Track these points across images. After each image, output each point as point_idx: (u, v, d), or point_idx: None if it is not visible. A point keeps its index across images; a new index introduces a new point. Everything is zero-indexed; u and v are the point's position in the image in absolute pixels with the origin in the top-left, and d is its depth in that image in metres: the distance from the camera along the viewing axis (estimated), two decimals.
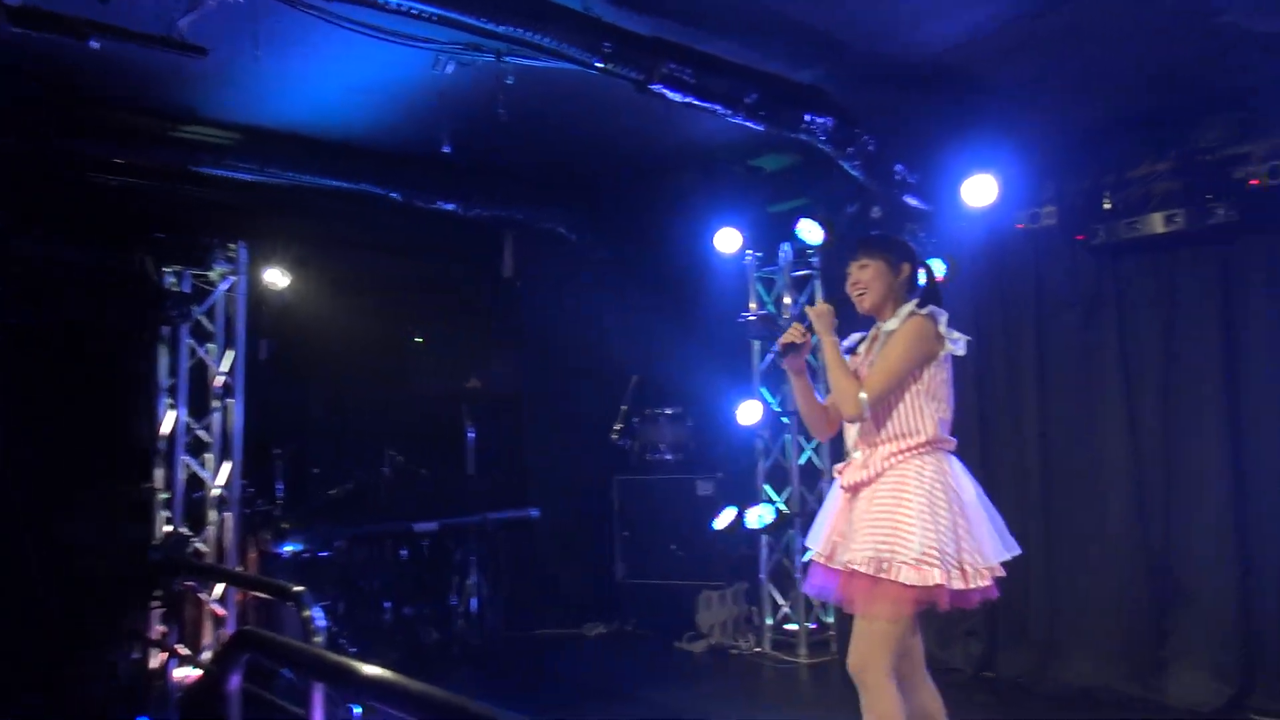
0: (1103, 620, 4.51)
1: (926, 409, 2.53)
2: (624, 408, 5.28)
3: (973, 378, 4.84)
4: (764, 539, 5.44)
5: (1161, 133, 4.37)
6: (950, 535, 2.43)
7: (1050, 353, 4.90)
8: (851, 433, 2.59)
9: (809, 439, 5.56)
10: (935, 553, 2.41)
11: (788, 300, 5.50)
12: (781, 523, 5.32)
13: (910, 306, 2.55)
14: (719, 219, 5.35)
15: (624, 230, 5.69)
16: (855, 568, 2.45)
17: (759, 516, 5.22)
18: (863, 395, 2.46)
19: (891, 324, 2.53)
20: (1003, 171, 4.59)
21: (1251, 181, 4.14)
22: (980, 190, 4.61)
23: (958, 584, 2.40)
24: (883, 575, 2.39)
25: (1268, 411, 4.27)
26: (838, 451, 5.63)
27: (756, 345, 5.56)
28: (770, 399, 5.59)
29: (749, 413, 5.33)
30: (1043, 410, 4.85)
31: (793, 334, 2.58)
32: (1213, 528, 4.31)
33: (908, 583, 2.38)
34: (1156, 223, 4.45)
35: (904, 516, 2.45)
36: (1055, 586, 4.69)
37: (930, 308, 2.54)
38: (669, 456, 5.85)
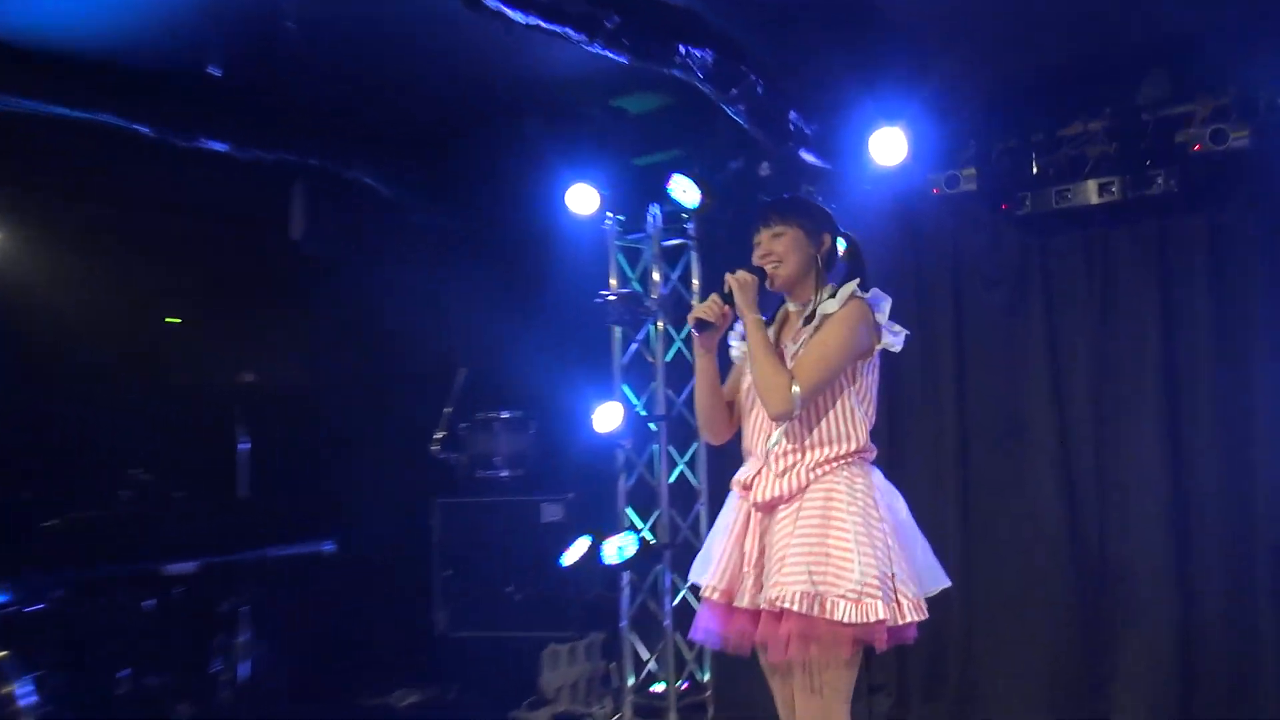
0: (1030, 653, 4.81)
1: (858, 411, 2.65)
2: (447, 411, 5.61)
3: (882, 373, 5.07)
4: (625, 577, 5.46)
5: (1096, 89, 4.62)
6: (886, 561, 2.54)
7: (970, 338, 5.15)
8: (758, 437, 2.66)
9: (683, 450, 5.64)
10: (876, 583, 2.49)
11: (656, 276, 5.54)
12: (647, 555, 5.34)
13: (853, 287, 2.64)
14: (572, 173, 5.36)
15: (453, 186, 5.72)
16: (784, 605, 2.50)
17: (619, 548, 5.22)
18: (796, 388, 2.53)
19: (830, 305, 2.61)
20: (916, 127, 4.76)
21: (1194, 147, 4.44)
22: (889, 147, 4.75)
23: (896, 619, 2.51)
24: (815, 613, 2.46)
25: (1210, 402, 4.62)
26: (719, 465, 5.53)
27: (618, 332, 5.56)
28: (634, 400, 5.58)
29: (608, 417, 5.34)
30: (961, 407, 5.12)
31: (709, 308, 2.63)
32: (1155, 540, 4.65)
33: (846, 620, 2.45)
34: (1090, 192, 4.75)
35: (839, 540, 2.53)
36: (975, 617, 4.97)
37: (873, 291, 2.66)
38: (505, 473, 5.84)
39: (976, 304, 5.20)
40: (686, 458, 5.67)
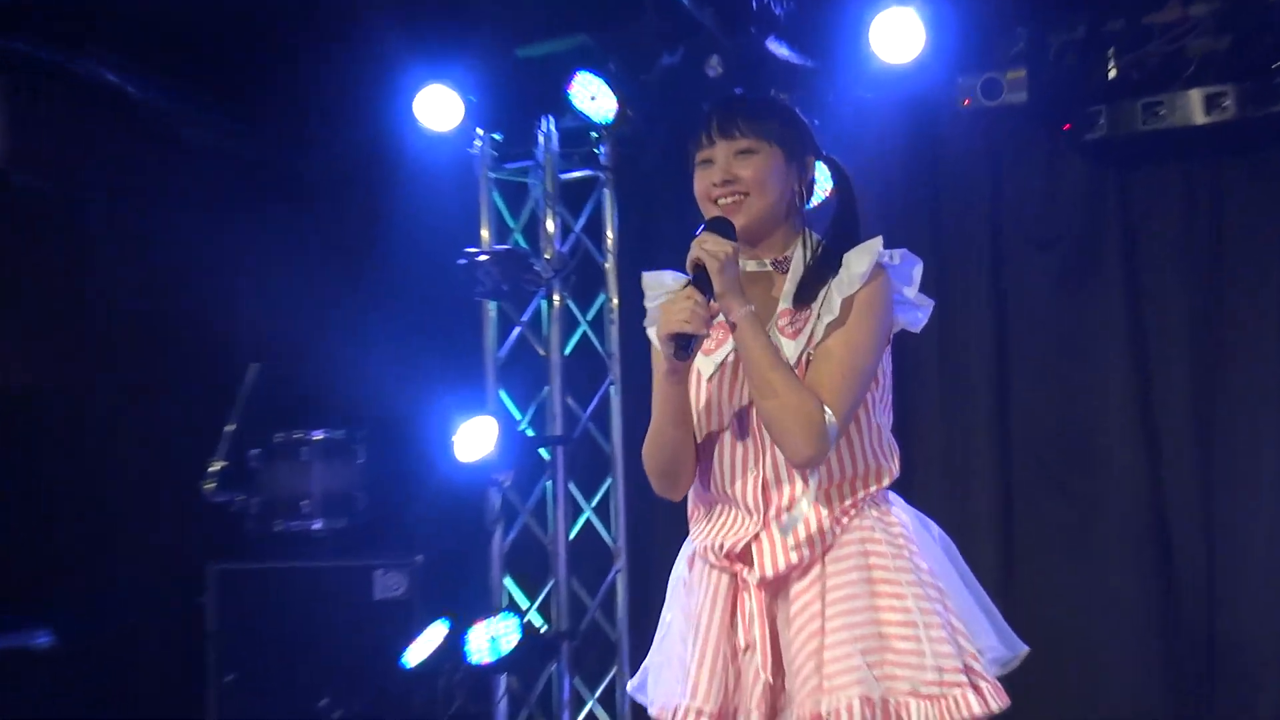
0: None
1: (885, 427, 2.74)
2: (230, 428, 5.53)
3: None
4: (502, 683, 5.49)
5: None
6: (951, 630, 2.66)
7: (1015, 319, 5.19)
8: (747, 482, 2.72)
9: (590, 489, 5.62)
10: (955, 664, 2.62)
11: (551, 225, 5.54)
12: (536, 650, 5.33)
13: (876, 247, 2.67)
14: (423, 69, 5.29)
15: (243, 90, 5.68)
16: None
17: (492, 639, 5.18)
18: (830, 417, 2.57)
19: (849, 278, 2.64)
20: (938, 6, 4.73)
21: None
22: (899, 36, 4.69)
23: (979, 710, 2.63)
24: None
25: None
26: (643, 510, 5.62)
27: (492, 310, 5.58)
28: (516, 412, 5.62)
29: (476, 439, 5.26)
30: (999, 420, 5.17)
31: (685, 310, 2.59)
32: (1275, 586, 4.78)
33: None
34: (1193, 106, 4.73)
35: (894, 613, 2.63)
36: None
37: (902, 253, 2.70)
38: (320, 524, 5.73)
39: (1024, 270, 5.22)
40: (595, 500, 5.62)
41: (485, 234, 5.56)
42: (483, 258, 5.23)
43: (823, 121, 5.17)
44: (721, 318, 2.64)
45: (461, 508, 5.58)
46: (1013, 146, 5.21)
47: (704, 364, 2.74)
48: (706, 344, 2.72)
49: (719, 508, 2.74)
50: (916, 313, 2.74)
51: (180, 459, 5.73)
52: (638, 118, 5.12)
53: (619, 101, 5.05)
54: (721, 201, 2.67)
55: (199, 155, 5.85)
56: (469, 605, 5.34)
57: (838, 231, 2.74)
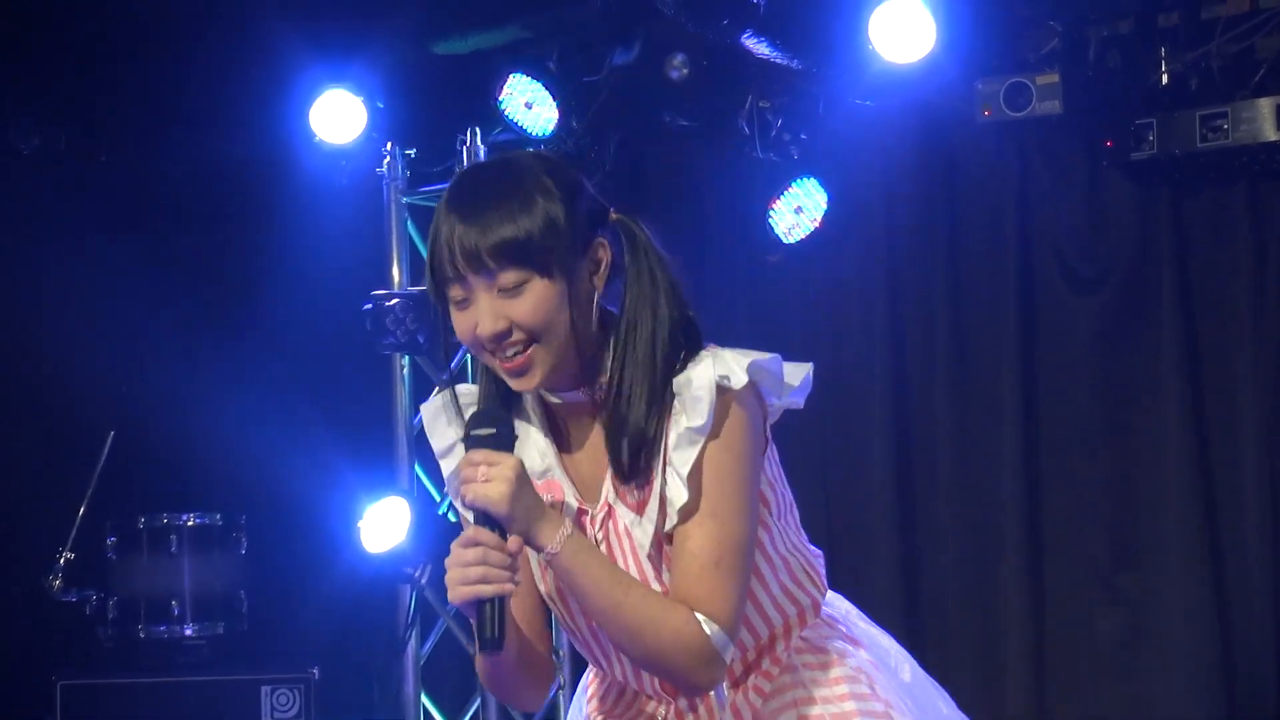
0: None
1: (789, 549, 2.51)
2: (80, 511, 5.39)
3: (890, 426, 5.14)
4: None
5: None
6: None
7: (1047, 379, 5.11)
8: (642, 675, 2.51)
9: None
10: None
11: None
12: None
13: (707, 368, 2.37)
14: (322, 69, 5.18)
15: (93, 89, 5.56)
16: None
17: None
18: (712, 627, 2.34)
19: (692, 419, 2.36)
20: None
21: None
22: (904, 32, 4.57)
23: None
24: None
25: None
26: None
27: (404, 366, 5.46)
28: (433, 490, 5.50)
29: (385, 523, 5.13)
30: (1031, 487, 5.05)
31: (481, 572, 2.24)
32: None
33: None
34: (1263, 118, 4.51)
35: None
36: None
37: (765, 361, 2.40)
38: (193, 630, 5.57)
39: (1059, 317, 5.08)
40: None
41: (396, 272, 5.44)
42: (393, 301, 5.04)
43: (812, 136, 5.22)
44: (530, 468, 2.39)
45: (368, 609, 5.54)
46: (1044, 167, 5.05)
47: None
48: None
49: (613, 685, 2.58)
50: (796, 394, 2.46)
51: (18, 549, 5.67)
52: (583, 129, 5.04)
53: (560, 110, 4.94)
54: (504, 356, 2.34)
55: (33, 170, 5.68)
56: None
57: (646, 342, 2.38)
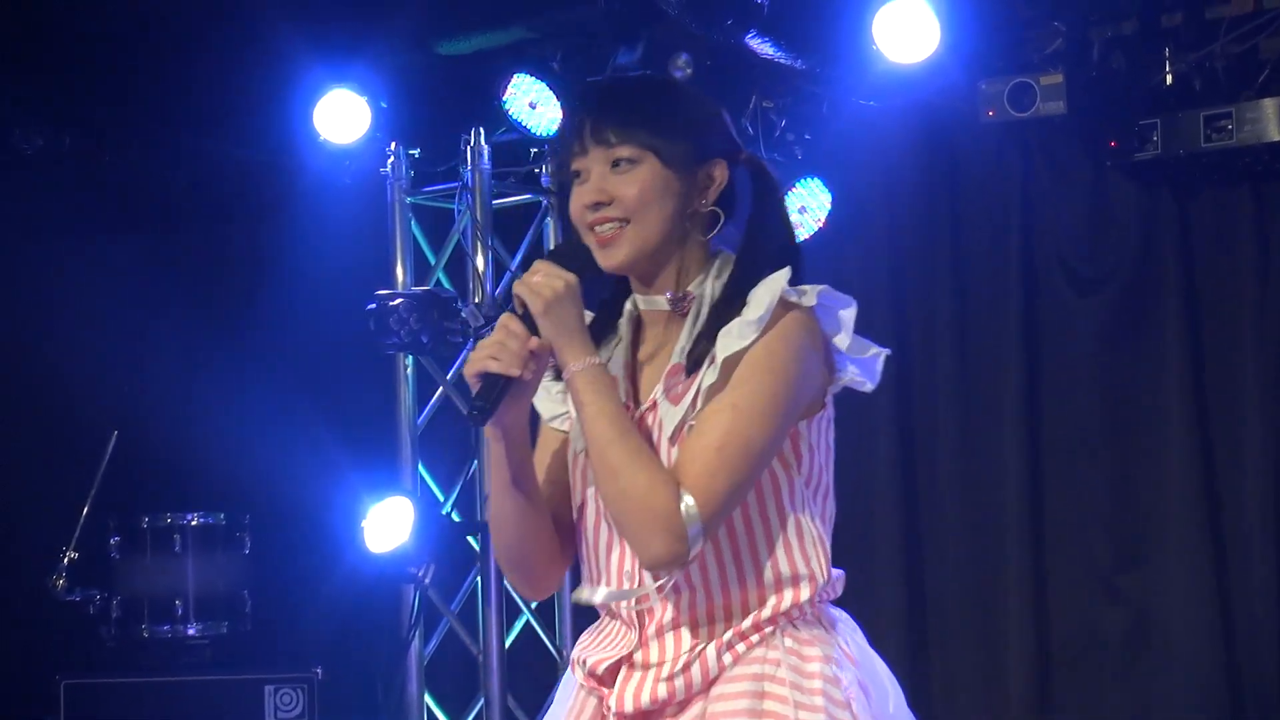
0: None
1: (808, 517, 2.54)
2: (84, 511, 5.40)
3: (893, 426, 5.17)
4: None
5: None
6: None
7: (1050, 380, 5.11)
8: (617, 567, 2.56)
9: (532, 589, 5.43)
10: None
11: (481, 263, 5.42)
12: None
13: (780, 279, 2.48)
14: (325, 70, 5.15)
15: (95, 88, 5.51)
16: None
17: None
18: (689, 503, 2.38)
19: (743, 323, 2.48)
20: None
21: None
22: (908, 32, 4.58)
23: None
24: None
25: None
26: (594, 612, 5.89)
27: (407, 367, 5.42)
28: (437, 490, 5.48)
29: (389, 523, 5.14)
30: (1035, 493, 5.06)
31: (499, 347, 2.44)
32: None
33: None
34: (1268, 119, 4.51)
35: None
36: None
37: (823, 290, 2.50)
38: (196, 630, 5.59)
39: (1062, 319, 5.08)
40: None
41: (400, 272, 5.43)
42: (397, 301, 5.01)
43: (816, 136, 5.29)
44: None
45: (371, 609, 5.52)
46: (1047, 167, 5.07)
47: (577, 437, 2.59)
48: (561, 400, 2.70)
49: (604, 616, 2.64)
50: (863, 367, 2.56)
51: (21, 549, 5.68)
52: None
53: (565, 109, 4.81)
54: (598, 230, 2.49)
55: (36, 168, 5.66)
56: None
57: (750, 256, 2.52)
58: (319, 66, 5.12)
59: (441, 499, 5.42)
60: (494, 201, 5.41)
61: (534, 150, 5.32)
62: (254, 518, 5.69)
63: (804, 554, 2.49)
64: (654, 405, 2.50)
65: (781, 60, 4.76)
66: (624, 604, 2.54)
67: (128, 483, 5.55)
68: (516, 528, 2.57)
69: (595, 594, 2.58)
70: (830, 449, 2.56)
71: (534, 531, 2.57)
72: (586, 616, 5.41)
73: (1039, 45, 4.79)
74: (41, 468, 5.84)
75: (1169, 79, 4.63)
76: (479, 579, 5.36)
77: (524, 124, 4.91)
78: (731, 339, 2.45)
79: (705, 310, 2.54)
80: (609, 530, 2.56)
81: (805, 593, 2.48)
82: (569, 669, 2.69)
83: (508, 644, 5.35)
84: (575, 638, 5.28)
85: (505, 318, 2.46)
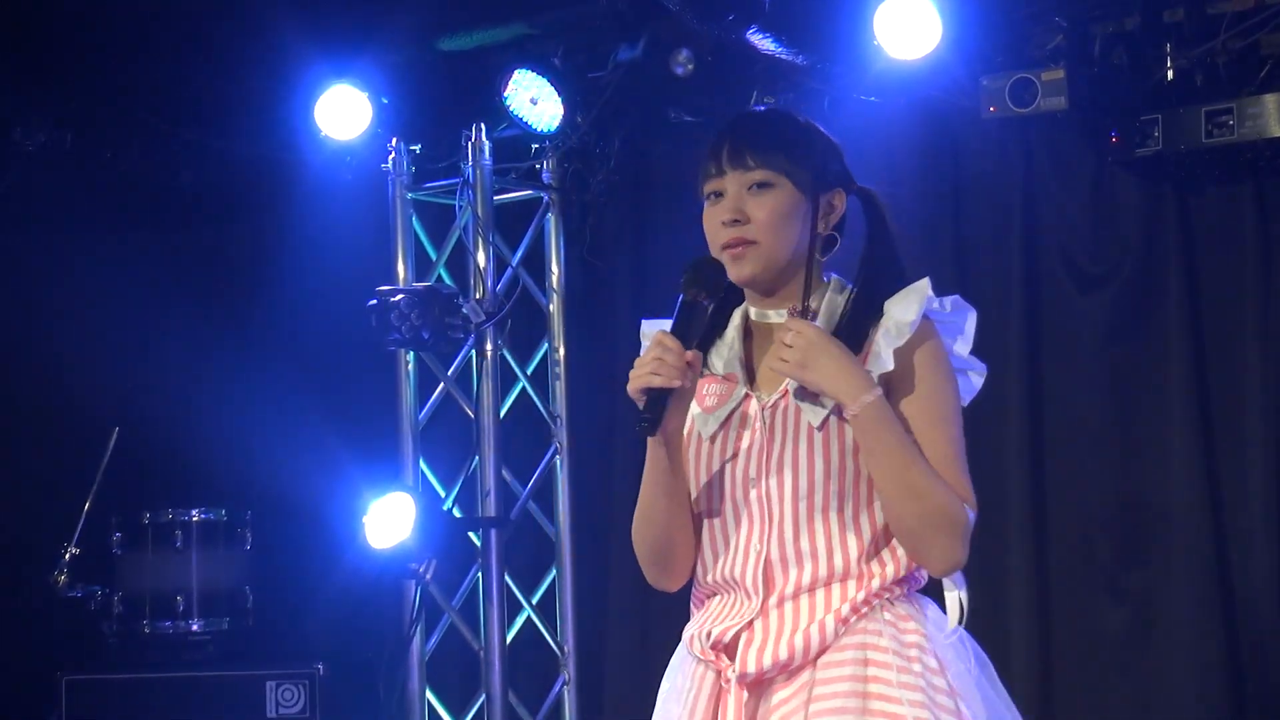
0: None
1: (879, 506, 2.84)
2: (85, 507, 5.44)
3: None
4: None
5: None
6: None
7: (1051, 377, 5.13)
8: (747, 561, 2.73)
9: (532, 582, 5.59)
10: None
11: (482, 259, 5.45)
12: None
13: (924, 287, 2.69)
14: (325, 66, 5.23)
15: (90, 82, 5.55)
16: None
17: None
18: (971, 514, 2.67)
19: (903, 314, 2.70)
20: None
21: None
22: (909, 28, 4.62)
23: None
24: None
25: None
26: (595, 608, 5.73)
27: (409, 363, 5.47)
28: (438, 486, 5.53)
29: (390, 519, 5.20)
30: (1036, 487, 5.08)
31: (664, 362, 2.66)
32: None
33: None
34: (1269, 115, 4.53)
35: None
36: None
37: (954, 300, 2.77)
38: (198, 625, 5.63)
39: (1064, 315, 5.10)
40: (538, 596, 5.55)
41: (401, 268, 5.46)
42: (398, 297, 5.08)
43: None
44: (714, 368, 2.75)
45: (373, 605, 5.55)
46: (1049, 163, 5.06)
47: (704, 422, 2.77)
48: (707, 398, 2.79)
49: (718, 597, 2.78)
50: (966, 376, 2.77)
51: (23, 544, 5.69)
52: (588, 125, 5.17)
53: (566, 106, 5.03)
54: (728, 248, 2.69)
55: (37, 163, 5.65)
56: None
57: (872, 273, 2.74)
58: (320, 62, 5.16)
59: (443, 495, 5.45)
60: (495, 197, 5.45)
61: (535, 146, 5.37)
62: (255, 513, 5.74)
63: (890, 536, 2.69)
64: (784, 393, 2.67)
65: (783, 56, 4.82)
66: (748, 575, 2.69)
67: (129, 478, 5.57)
68: (667, 525, 2.79)
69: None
70: None
71: (681, 525, 2.80)
72: (587, 615, 5.18)
73: (1040, 41, 4.80)
74: (43, 464, 5.86)
75: (1170, 74, 4.66)
76: (480, 575, 5.39)
77: (525, 120, 4.99)
78: (892, 335, 2.64)
79: (835, 320, 2.73)
80: (734, 509, 2.75)
81: (902, 570, 2.66)
82: (680, 647, 2.83)
83: (509, 640, 5.37)
84: (576, 634, 5.73)
85: (660, 335, 2.66)
